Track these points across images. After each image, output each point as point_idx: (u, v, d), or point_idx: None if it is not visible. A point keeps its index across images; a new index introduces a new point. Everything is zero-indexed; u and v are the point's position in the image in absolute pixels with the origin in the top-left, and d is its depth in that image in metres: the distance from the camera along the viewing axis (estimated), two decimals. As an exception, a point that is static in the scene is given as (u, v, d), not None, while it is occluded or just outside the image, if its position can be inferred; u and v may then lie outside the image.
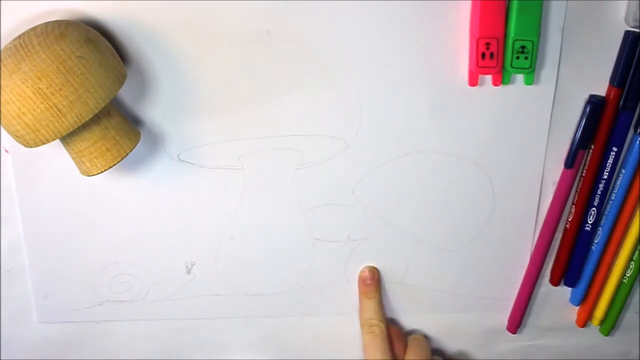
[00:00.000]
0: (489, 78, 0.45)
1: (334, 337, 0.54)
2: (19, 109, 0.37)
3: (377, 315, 0.49)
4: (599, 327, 0.55)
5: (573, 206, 0.49)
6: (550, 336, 0.56)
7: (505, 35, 0.43)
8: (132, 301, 0.51)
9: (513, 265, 0.52)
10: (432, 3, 0.43)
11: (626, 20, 0.44)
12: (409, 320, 0.54)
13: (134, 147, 0.42)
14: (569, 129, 0.47)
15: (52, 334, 0.52)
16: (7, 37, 0.41)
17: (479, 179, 0.49)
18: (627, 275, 0.51)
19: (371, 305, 0.50)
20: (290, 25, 0.43)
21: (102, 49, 0.39)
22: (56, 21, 0.40)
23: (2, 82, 0.37)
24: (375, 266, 0.50)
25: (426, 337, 0.53)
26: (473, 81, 0.45)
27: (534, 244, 0.51)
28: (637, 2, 0.42)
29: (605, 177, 0.48)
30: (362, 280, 0.50)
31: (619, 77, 0.45)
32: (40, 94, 0.37)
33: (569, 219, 0.50)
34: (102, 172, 0.41)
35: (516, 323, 0.54)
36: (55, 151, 0.45)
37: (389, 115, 0.46)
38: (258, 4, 0.42)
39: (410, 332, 0.54)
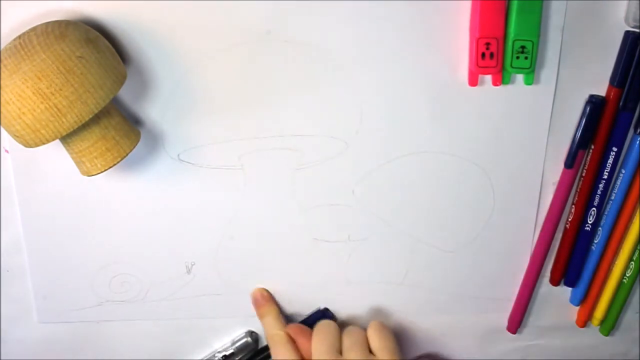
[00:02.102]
0: (489, 78, 0.45)
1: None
2: (19, 109, 0.37)
3: (276, 327, 0.50)
4: (599, 327, 0.55)
5: (573, 206, 0.49)
6: (550, 336, 0.56)
7: (505, 35, 0.43)
8: (132, 301, 0.51)
9: (513, 265, 0.52)
10: (432, 3, 0.43)
11: (626, 20, 0.44)
12: (408, 320, 0.54)
13: (134, 147, 0.42)
14: (569, 129, 0.47)
15: (52, 334, 0.52)
16: (7, 37, 0.41)
17: (479, 179, 0.49)
18: (627, 275, 0.51)
19: (270, 321, 0.50)
20: (290, 25, 0.43)
21: (102, 49, 0.39)
22: (56, 21, 0.40)
23: (2, 82, 0.37)
24: (265, 288, 0.51)
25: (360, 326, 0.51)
26: (473, 81, 0.45)
27: (534, 244, 0.51)
28: (637, 2, 0.42)
29: (605, 177, 0.48)
30: (254, 302, 0.51)
31: (619, 77, 0.45)
32: (40, 94, 0.37)
33: (569, 219, 0.50)
34: (102, 172, 0.41)
35: (516, 323, 0.54)
36: (55, 151, 0.45)
37: (389, 115, 0.46)
38: (258, 4, 0.42)
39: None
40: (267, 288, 0.52)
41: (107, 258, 0.50)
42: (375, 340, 0.48)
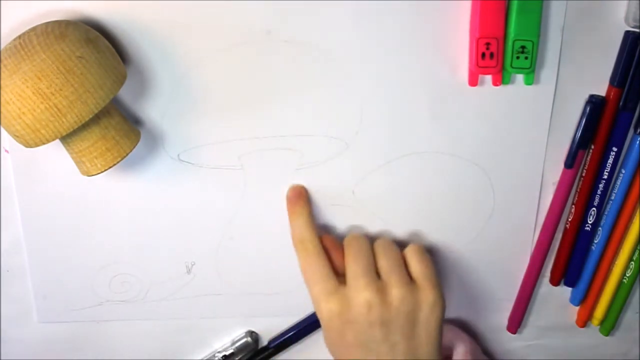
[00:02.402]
0: (489, 78, 0.45)
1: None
2: (19, 109, 0.37)
3: (307, 232, 0.46)
4: (599, 327, 0.55)
5: (573, 206, 0.49)
6: (550, 336, 0.56)
7: (505, 35, 0.43)
8: (132, 301, 0.51)
9: (513, 265, 0.52)
10: (431, 3, 0.43)
11: (626, 20, 0.44)
12: (409, 320, 0.54)
13: (134, 147, 0.42)
14: (569, 129, 0.47)
15: (52, 334, 0.52)
16: (7, 37, 0.41)
17: (479, 179, 0.49)
18: (627, 275, 0.51)
19: (300, 223, 0.46)
20: (290, 25, 0.43)
21: (102, 49, 0.39)
22: (56, 21, 0.40)
23: (2, 82, 0.37)
24: (303, 184, 0.48)
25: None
26: (473, 81, 0.45)
27: (534, 244, 0.51)
28: (637, 2, 0.42)
29: (605, 177, 0.48)
30: (289, 200, 0.47)
31: (619, 77, 0.45)
32: (40, 94, 0.37)
33: (569, 219, 0.50)
34: (102, 172, 0.41)
35: (516, 323, 0.54)
36: (55, 151, 0.45)
37: (389, 115, 0.46)
38: (258, 4, 0.42)
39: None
40: (267, 288, 0.52)
41: (107, 258, 0.50)
42: (416, 264, 0.45)
